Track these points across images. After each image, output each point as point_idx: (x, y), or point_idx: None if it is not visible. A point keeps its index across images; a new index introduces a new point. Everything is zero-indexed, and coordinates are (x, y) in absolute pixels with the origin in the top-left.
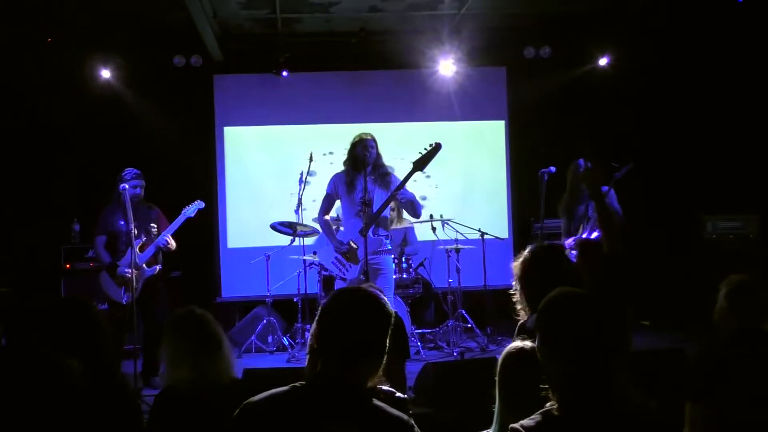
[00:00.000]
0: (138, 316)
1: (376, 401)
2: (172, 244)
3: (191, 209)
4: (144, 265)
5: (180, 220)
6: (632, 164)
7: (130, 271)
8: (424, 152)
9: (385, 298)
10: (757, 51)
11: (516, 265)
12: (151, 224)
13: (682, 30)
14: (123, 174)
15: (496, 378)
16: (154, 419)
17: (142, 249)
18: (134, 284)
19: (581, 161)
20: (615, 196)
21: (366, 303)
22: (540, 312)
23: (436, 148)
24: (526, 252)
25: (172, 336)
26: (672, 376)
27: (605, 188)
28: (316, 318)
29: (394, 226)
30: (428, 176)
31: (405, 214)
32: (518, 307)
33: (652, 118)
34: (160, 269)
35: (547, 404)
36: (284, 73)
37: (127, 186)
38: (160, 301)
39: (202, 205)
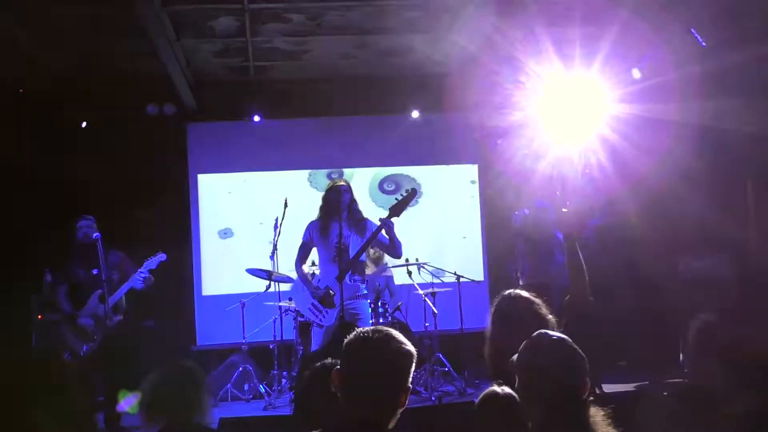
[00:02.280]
0: (98, 367)
1: None
2: (151, 279)
3: (153, 261)
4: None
5: (140, 271)
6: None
7: (91, 320)
8: (399, 198)
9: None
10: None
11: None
12: (113, 271)
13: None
14: (78, 224)
15: (474, 423)
16: None
17: (102, 299)
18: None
19: (540, 202)
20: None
21: (389, 344)
22: (521, 355)
23: (412, 194)
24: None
25: (156, 386)
26: (650, 419)
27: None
28: (343, 359)
29: (372, 272)
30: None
31: (386, 258)
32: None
33: (624, 157)
34: (121, 320)
35: None
36: (255, 118)
37: (98, 235)
38: (122, 352)
39: (164, 257)
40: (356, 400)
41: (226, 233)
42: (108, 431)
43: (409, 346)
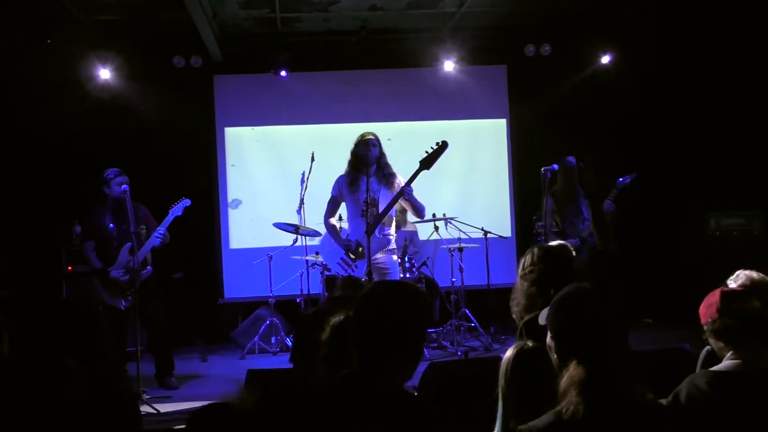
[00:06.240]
0: (137, 319)
1: (412, 399)
2: (167, 237)
3: (178, 208)
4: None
5: (168, 219)
6: (636, 174)
7: (122, 272)
8: (430, 151)
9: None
10: (759, 46)
11: (525, 262)
12: (141, 225)
13: (685, 27)
14: (105, 175)
15: (501, 378)
16: None
17: (132, 252)
18: (134, 288)
19: (572, 159)
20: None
21: (412, 298)
22: (555, 308)
23: (443, 146)
24: (535, 251)
25: None
26: (678, 375)
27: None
28: (356, 310)
29: (399, 229)
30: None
31: (409, 216)
32: (516, 306)
33: (654, 115)
34: (152, 270)
35: (561, 405)
36: (282, 73)
37: (127, 187)
38: (156, 302)
39: (189, 202)
40: (364, 353)
41: (252, 187)
42: (159, 384)
43: (426, 301)
